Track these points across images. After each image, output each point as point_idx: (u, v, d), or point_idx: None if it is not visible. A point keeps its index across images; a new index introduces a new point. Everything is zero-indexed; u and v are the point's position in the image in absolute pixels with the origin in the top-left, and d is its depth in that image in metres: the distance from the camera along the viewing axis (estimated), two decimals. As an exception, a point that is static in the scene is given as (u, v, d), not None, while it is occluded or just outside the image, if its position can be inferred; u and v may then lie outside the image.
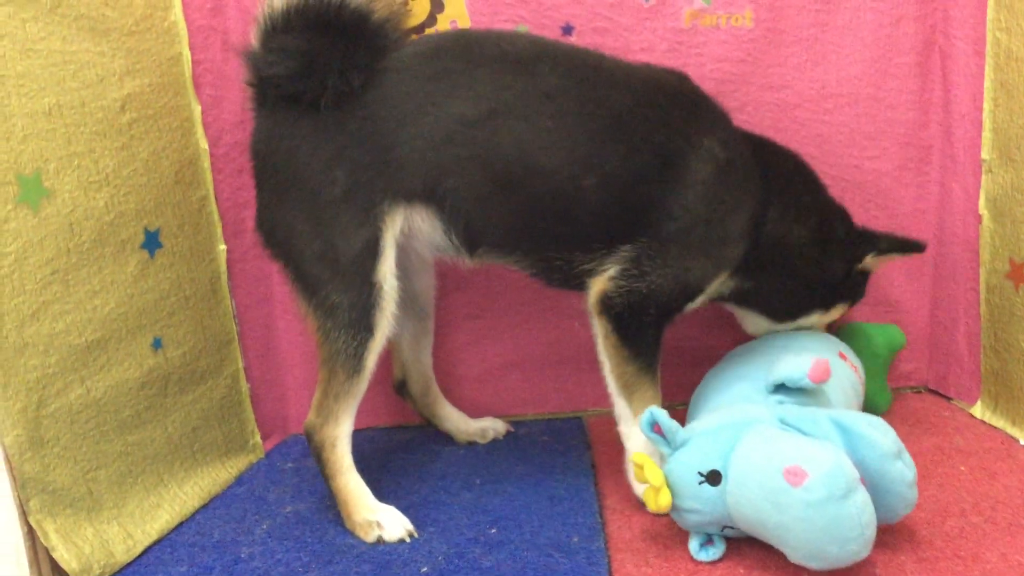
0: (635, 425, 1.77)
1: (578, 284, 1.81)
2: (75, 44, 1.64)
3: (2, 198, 1.47)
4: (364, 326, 1.72)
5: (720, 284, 1.87)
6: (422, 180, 1.71)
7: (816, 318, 1.99)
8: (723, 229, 1.77)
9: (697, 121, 1.77)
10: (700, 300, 1.86)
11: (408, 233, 1.78)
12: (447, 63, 1.72)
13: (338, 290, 1.71)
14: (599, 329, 1.79)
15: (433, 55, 1.74)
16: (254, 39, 1.73)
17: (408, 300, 1.94)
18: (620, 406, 1.81)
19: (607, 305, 1.76)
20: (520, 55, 1.74)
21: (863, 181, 2.20)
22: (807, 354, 1.71)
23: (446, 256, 1.89)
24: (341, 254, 1.70)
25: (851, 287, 1.98)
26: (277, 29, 1.70)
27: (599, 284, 1.76)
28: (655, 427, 1.55)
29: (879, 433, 1.46)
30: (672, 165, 1.72)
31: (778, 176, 1.87)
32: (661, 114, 1.75)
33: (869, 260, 1.92)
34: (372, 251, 1.71)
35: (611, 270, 1.75)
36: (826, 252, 1.89)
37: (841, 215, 1.95)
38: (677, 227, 1.73)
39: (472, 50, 1.74)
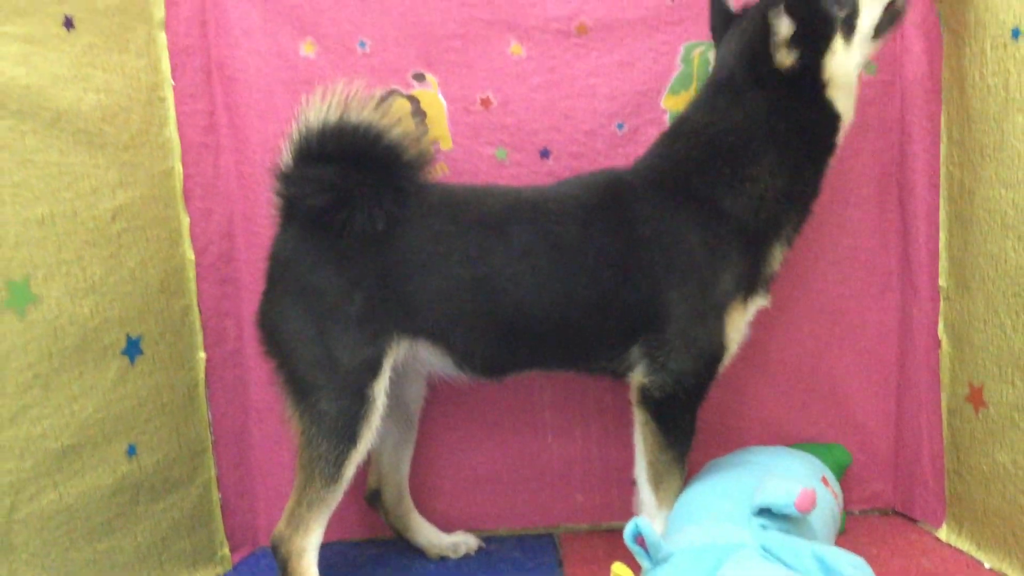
0: (657, 516, 1.84)
1: (612, 376, 1.93)
2: (72, 156, 1.71)
3: (-10, 303, 1.51)
4: (348, 436, 1.76)
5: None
6: (431, 325, 1.84)
7: None
8: (701, 284, 1.82)
9: (624, 212, 1.85)
10: (735, 345, 1.90)
11: (411, 360, 1.89)
12: (441, 225, 1.84)
13: (329, 398, 1.76)
14: (638, 418, 1.88)
15: (431, 213, 1.85)
16: (288, 156, 1.83)
17: (397, 408, 1.99)
18: (645, 494, 1.88)
19: (646, 397, 1.86)
20: (495, 217, 1.86)
21: (827, 305, 2.28)
22: (792, 478, 1.73)
23: (459, 379, 1.98)
24: (340, 365, 1.77)
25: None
26: (312, 152, 1.80)
27: (637, 379, 1.86)
28: (638, 538, 1.55)
29: (859, 575, 1.47)
30: (625, 266, 1.83)
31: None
32: (599, 229, 1.85)
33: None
34: (372, 368, 1.79)
35: (639, 366, 1.85)
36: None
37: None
38: (659, 311, 1.82)
39: (457, 213, 1.86)
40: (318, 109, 1.80)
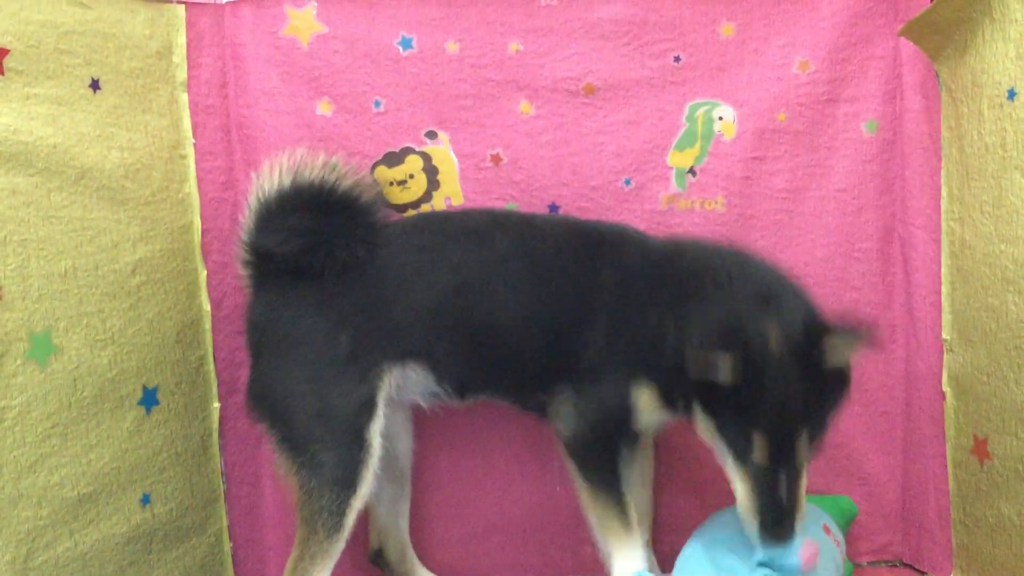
0: (617, 562, 1.84)
1: (540, 413, 1.95)
2: (95, 212, 1.77)
3: (13, 354, 1.55)
4: (348, 482, 1.78)
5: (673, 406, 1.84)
6: (417, 343, 1.88)
7: None
8: (619, 345, 1.83)
9: (600, 256, 1.90)
10: (646, 419, 1.86)
11: (401, 387, 1.92)
12: (427, 238, 1.92)
13: (327, 447, 1.79)
14: (569, 466, 1.89)
15: (415, 231, 1.96)
16: (250, 223, 1.90)
17: (388, 463, 2.00)
18: (602, 543, 1.90)
19: (564, 441, 1.87)
20: (479, 228, 1.95)
21: (833, 357, 2.30)
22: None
23: (438, 401, 2.00)
24: (338, 412, 1.80)
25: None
26: (274, 212, 1.87)
27: (558, 423, 1.88)
28: None
29: None
30: (577, 302, 1.87)
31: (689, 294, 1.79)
32: (570, 258, 1.91)
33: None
34: (368, 409, 1.82)
35: (563, 408, 1.87)
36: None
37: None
38: (582, 355, 1.85)
39: (445, 226, 1.97)
40: (269, 177, 1.88)
